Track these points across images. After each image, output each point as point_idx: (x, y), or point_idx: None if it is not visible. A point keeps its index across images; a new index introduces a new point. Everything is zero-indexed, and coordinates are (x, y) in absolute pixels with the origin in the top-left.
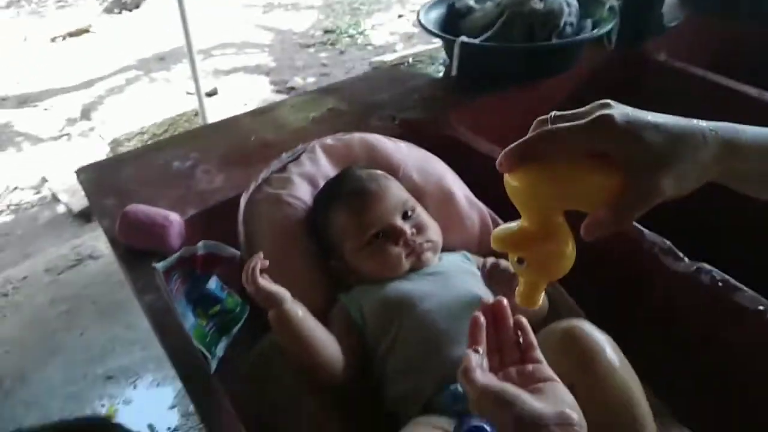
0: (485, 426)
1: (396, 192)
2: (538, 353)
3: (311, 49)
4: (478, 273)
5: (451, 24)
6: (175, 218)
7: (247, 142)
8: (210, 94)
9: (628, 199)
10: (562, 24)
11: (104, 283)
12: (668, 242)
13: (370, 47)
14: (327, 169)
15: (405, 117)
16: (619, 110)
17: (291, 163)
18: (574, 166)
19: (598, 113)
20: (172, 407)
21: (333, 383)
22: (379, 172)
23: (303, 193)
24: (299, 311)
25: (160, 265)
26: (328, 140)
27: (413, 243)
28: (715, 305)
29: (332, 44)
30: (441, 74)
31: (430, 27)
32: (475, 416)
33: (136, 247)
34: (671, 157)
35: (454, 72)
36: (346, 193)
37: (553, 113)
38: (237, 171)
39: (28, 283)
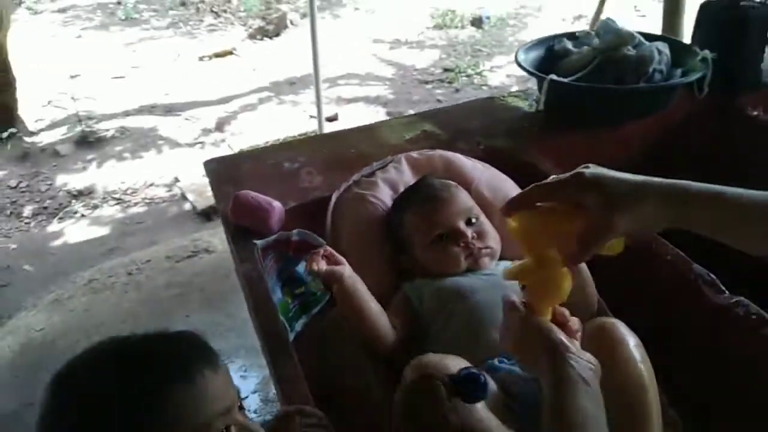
0: (480, 374)
1: (463, 200)
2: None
3: (429, 86)
4: None
5: (549, 64)
6: (277, 205)
7: (348, 152)
8: (330, 119)
9: (589, 234)
10: (650, 70)
11: (213, 274)
12: (712, 275)
13: (485, 87)
14: (408, 178)
15: (490, 143)
16: (591, 170)
17: (379, 170)
18: (555, 213)
19: (574, 171)
20: (255, 392)
21: (383, 350)
22: (451, 182)
23: (385, 195)
24: (358, 287)
25: (260, 243)
26: (414, 154)
27: (473, 246)
28: (750, 337)
29: (449, 82)
30: (533, 109)
31: (528, 66)
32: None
33: (243, 226)
34: (625, 203)
35: (540, 107)
36: (420, 197)
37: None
38: (335, 175)
39: (150, 266)
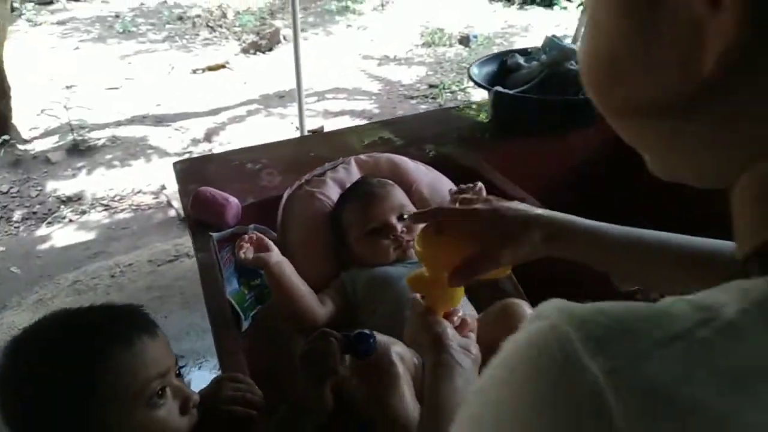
0: (371, 335)
1: (397, 197)
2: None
3: (413, 101)
4: None
5: (501, 78)
6: (233, 201)
7: (307, 155)
8: (314, 132)
9: (476, 263)
10: None
11: (193, 278)
12: None
13: (467, 102)
14: (356, 177)
15: (439, 150)
16: (489, 206)
17: (330, 170)
18: (452, 242)
19: (474, 205)
20: None
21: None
22: (388, 181)
23: (332, 193)
24: (285, 270)
25: (215, 235)
26: (363, 156)
27: (401, 238)
28: None
29: (433, 98)
30: (487, 120)
31: (481, 79)
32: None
33: (202, 220)
34: (512, 240)
35: (488, 117)
36: (358, 194)
37: (455, 188)
38: (292, 175)
39: (133, 269)
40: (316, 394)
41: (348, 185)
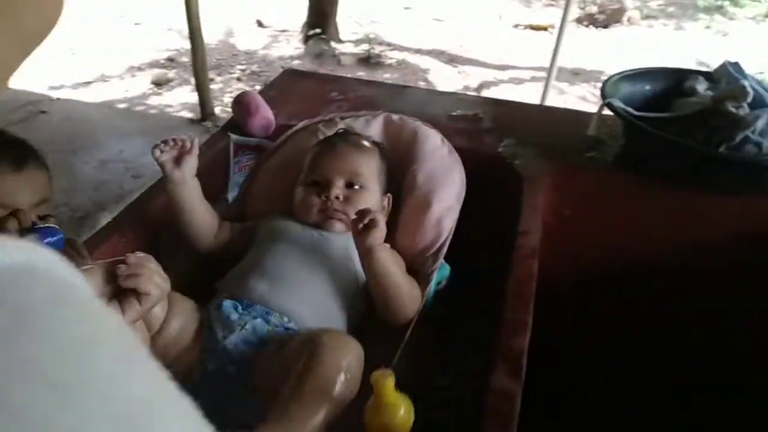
0: (59, 231)
1: (358, 163)
2: None
3: None
4: (355, 265)
5: (654, 99)
6: (265, 115)
7: (393, 106)
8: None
9: None
10: (738, 137)
11: None
12: None
13: None
14: (372, 132)
15: (512, 151)
16: None
17: (351, 118)
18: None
19: None
20: None
21: (197, 249)
22: (368, 144)
23: None
24: (183, 192)
25: (234, 137)
26: (394, 116)
27: (330, 205)
28: None
29: None
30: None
31: (629, 96)
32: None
33: (237, 120)
34: None
35: (590, 131)
36: (327, 141)
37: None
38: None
39: None
40: None
41: None
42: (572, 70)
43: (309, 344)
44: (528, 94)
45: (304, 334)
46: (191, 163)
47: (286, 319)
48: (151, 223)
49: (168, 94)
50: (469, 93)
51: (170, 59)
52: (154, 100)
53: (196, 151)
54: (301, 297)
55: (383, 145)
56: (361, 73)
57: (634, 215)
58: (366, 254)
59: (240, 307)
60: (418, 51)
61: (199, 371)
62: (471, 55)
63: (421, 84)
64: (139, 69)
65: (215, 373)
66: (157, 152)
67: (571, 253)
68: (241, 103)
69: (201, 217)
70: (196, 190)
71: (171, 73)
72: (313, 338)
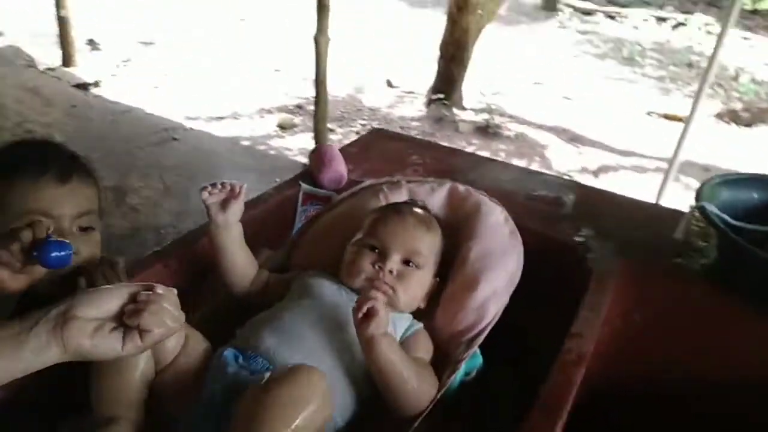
0: (68, 245)
1: (421, 240)
2: None
3: None
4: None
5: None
6: (338, 169)
7: (484, 183)
8: None
9: None
10: None
11: None
12: None
13: None
14: (435, 203)
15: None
16: None
17: (416, 183)
18: None
19: None
20: None
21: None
22: (433, 221)
23: (396, 200)
24: (224, 239)
25: (305, 186)
26: (461, 187)
27: (381, 276)
28: None
29: None
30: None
31: (731, 204)
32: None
33: (312, 170)
34: None
35: (678, 234)
36: (393, 207)
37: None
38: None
39: None
40: None
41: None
42: (703, 165)
43: (260, 383)
44: (648, 185)
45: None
46: (235, 208)
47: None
48: (197, 258)
49: (290, 138)
50: (561, 175)
51: (299, 106)
52: (275, 142)
53: (242, 198)
54: (309, 359)
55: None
56: (476, 142)
57: (715, 336)
58: (366, 345)
59: (241, 358)
60: (540, 126)
61: (186, 419)
62: (595, 137)
63: (536, 160)
64: (269, 112)
65: (197, 424)
66: (205, 194)
67: (629, 362)
68: (317, 153)
69: (239, 262)
70: (238, 235)
71: (297, 119)
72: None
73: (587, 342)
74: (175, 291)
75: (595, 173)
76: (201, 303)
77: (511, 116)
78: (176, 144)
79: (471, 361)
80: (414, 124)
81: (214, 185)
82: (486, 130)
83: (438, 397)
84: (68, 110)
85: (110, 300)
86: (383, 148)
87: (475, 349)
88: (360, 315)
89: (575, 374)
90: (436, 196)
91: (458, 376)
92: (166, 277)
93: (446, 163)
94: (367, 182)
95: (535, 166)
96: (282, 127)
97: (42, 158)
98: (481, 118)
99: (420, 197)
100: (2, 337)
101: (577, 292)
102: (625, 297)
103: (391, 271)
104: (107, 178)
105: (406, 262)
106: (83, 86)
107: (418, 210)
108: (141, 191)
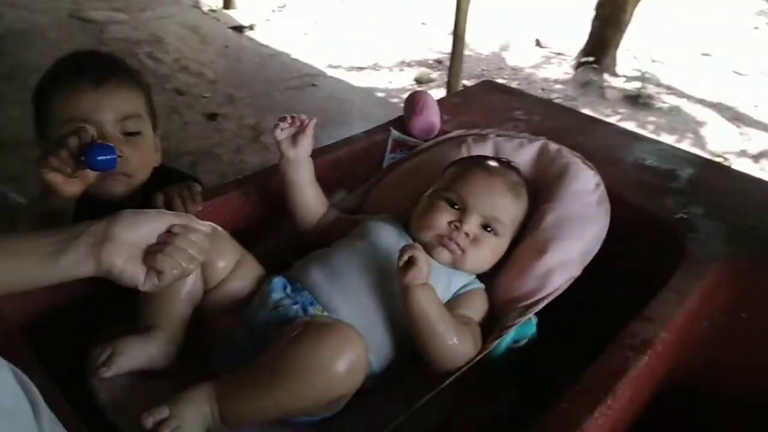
0: (111, 148)
1: (506, 207)
2: None
3: None
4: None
5: None
6: (430, 118)
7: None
8: None
9: None
10: None
11: None
12: None
13: None
14: (522, 159)
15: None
16: None
17: (505, 137)
18: None
19: None
20: None
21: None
22: (519, 180)
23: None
24: (295, 177)
25: (395, 133)
26: (553, 146)
27: (454, 236)
28: None
29: None
30: None
31: None
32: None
33: (405, 110)
34: None
35: None
36: (474, 162)
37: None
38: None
39: None
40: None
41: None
42: None
43: (302, 323)
44: None
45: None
46: (305, 142)
47: (325, 314)
48: (275, 190)
49: None
50: (714, 156)
51: (438, 61)
52: None
53: (310, 132)
54: (352, 301)
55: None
56: (623, 111)
57: None
58: (402, 293)
59: (289, 288)
60: (700, 101)
61: (229, 340)
62: (762, 118)
63: (689, 137)
64: (408, 65)
65: (236, 345)
66: (278, 131)
67: (730, 364)
68: (411, 101)
69: (308, 199)
70: (308, 172)
71: (434, 74)
72: (310, 320)
73: (657, 328)
74: (208, 230)
75: (756, 158)
76: (271, 234)
77: (668, 87)
78: (314, 90)
79: (522, 329)
80: (557, 87)
81: (284, 119)
82: (636, 100)
83: (477, 358)
84: (221, 50)
85: (149, 226)
86: (487, 101)
87: (529, 317)
88: (400, 264)
89: (632, 362)
90: (523, 153)
91: (504, 341)
92: (243, 204)
93: (554, 122)
94: (454, 133)
95: (686, 144)
96: (419, 81)
97: (79, 66)
98: (632, 86)
99: (505, 153)
100: (44, 244)
101: (667, 276)
102: (730, 289)
103: (467, 234)
104: (247, 117)
105: (486, 226)
106: (239, 29)
107: (510, 173)
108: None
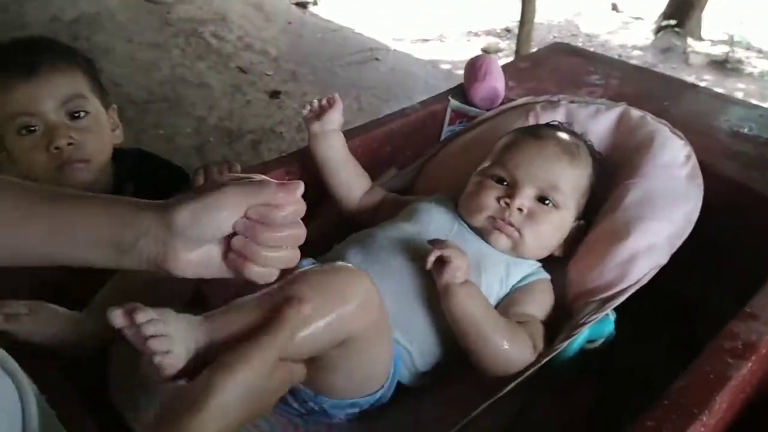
0: None
1: (562, 173)
2: None
3: None
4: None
5: None
6: (494, 85)
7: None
8: None
9: None
10: None
11: None
12: None
13: None
14: (599, 128)
15: None
16: None
17: (579, 103)
18: None
19: None
20: None
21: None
22: (587, 151)
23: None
24: (325, 152)
25: (453, 102)
26: (636, 112)
27: (506, 215)
28: None
29: None
30: None
31: None
32: None
33: (465, 76)
34: None
35: None
36: (535, 133)
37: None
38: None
39: None
40: None
41: (575, 128)
42: None
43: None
44: None
45: None
46: (332, 116)
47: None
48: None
49: None
50: None
51: (507, 29)
52: None
53: (338, 106)
54: (389, 289)
55: (602, 157)
56: (708, 78)
57: None
58: (441, 293)
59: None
60: None
61: None
62: None
63: None
64: (476, 35)
65: None
66: (305, 111)
67: None
68: (473, 66)
69: (344, 176)
70: (339, 146)
71: (503, 43)
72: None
73: (765, 328)
74: (299, 188)
75: None
76: (314, 216)
77: (759, 51)
78: (377, 64)
79: (599, 327)
80: (635, 53)
81: (312, 103)
82: (723, 65)
83: (541, 363)
84: (284, 26)
85: (218, 219)
86: (558, 64)
87: (608, 313)
88: (432, 259)
89: (733, 370)
90: (601, 121)
91: (577, 341)
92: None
93: (635, 86)
94: (521, 100)
95: None
96: (486, 51)
97: (6, 60)
98: (719, 50)
99: (579, 121)
100: (101, 228)
101: None
102: None
103: (520, 209)
104: (309, 94)
105: (542, 199)
106: (302, 4)
107: (562, 134)
108: None
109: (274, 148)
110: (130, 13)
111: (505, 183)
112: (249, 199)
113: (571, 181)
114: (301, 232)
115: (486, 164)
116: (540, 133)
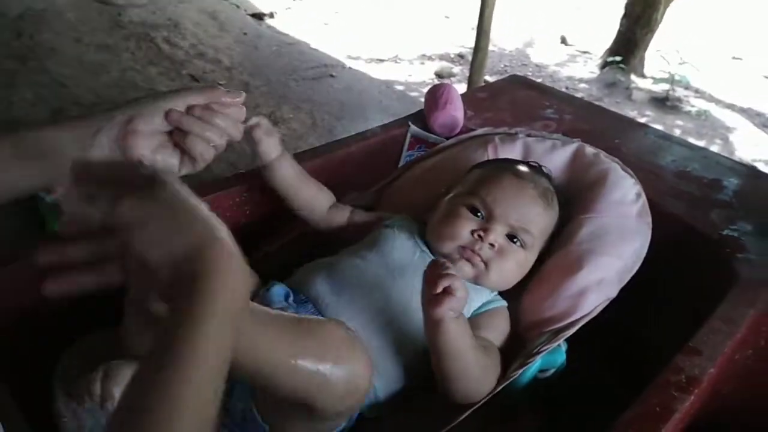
0: None
1: (536, 216)
2: None
3: None
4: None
5: None
6: (453, 114)
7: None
8: None
9: None
10: None
11: None
12: None
13: None
14: (555, 163)
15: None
16: None
17: (537, 138)
18: None
19: None
20: None
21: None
22: (556, 200)
23: (507, 155)
24: (283, 182)
25: (413, 128)
26: (590, 149)
27: (477, 248)
28: None
29: None
30: None
31: None
32: None
33: (426, 103)
34: None
35: None
36: (516, 172)
37: None
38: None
39: None
40: None
41: (531, 160)
42: None
43: None
44: None
45: None
46: (265, 146)
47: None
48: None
49: None
50: (735, 159)
51: (460, 55)
52: None
53: (262, 131)
54: (360, 318)
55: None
56: (649, 113)
57: None
58: (432, 326)
59: (291, 298)
60: (729, 106)
61: None
62: None
63: (717, 143)
64: (430, 59)
65: None
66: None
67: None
68: (434, 94)
69: (303, 196)
70: (289, 173)
71: (456, 69)
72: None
73: (706, 363)
74: (239, 98)
75: None
76: (275, 235)
77: (696, 91)
78: (332, 81)
79: (551, 357)
80: (582, 86)
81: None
82: (664, 103)
83: (497, 389)
84: (239, 37)
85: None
86: (515, 97)
87: (559, 343)
88: (433, 293)
89: (678, 403)
90: (556, 156)
91: (530, 370)
92: (244, 201)
93: (588, 123)
94: (480, 131)
95: (714, 150)
96: (439, 75)
97: None
98: (660, 88)
99: (536, 155)
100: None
101: (715, 301)
102: None
103: (492, 245)
104: (263, 106)
105: (512, 237)
106: (259, 16)
107: (541, 179)
108: (290, 122)
109: (223, 159)
110: (80, 12)
111: (479, 214)
112: (198, 97)
113: (542, 226)
114: (227, 128)
115: (460, 190)
116: (520, 172)
